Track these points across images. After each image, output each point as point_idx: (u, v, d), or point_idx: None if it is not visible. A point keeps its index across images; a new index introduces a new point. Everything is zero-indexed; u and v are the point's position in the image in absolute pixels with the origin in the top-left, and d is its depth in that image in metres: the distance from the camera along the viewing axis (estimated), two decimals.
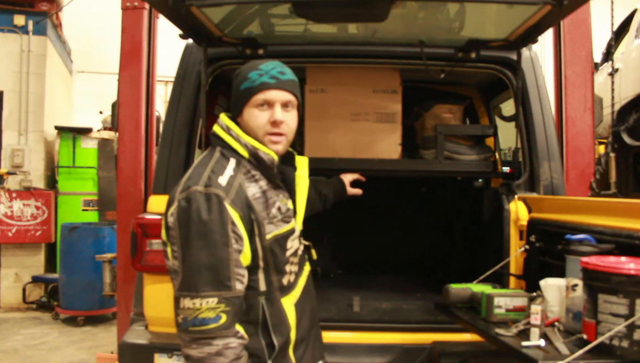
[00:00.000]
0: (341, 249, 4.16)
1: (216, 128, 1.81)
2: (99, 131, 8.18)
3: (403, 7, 2.55)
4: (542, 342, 1.77)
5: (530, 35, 2.76)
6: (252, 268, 1.69)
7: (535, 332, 1.80)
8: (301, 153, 3.19)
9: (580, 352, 1.62)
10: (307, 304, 1.87)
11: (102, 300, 6.20)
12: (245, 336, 1.66)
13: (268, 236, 1.70)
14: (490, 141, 3.45)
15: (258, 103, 1.74)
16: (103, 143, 7.99)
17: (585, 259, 1.75)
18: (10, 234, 7.27)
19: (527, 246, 2.58)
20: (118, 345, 2.70)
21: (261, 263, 1.70)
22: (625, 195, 5.12)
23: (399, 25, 2.79)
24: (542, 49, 5.36)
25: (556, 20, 2.93)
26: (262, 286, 1.72)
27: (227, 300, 1.58)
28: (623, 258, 1.76)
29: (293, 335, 1.76)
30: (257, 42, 2.94)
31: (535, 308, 1.82)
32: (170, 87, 3.46)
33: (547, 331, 1.84)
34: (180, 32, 2.82)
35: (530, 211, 2.72)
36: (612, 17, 5.42)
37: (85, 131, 7.97)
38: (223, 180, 1.65)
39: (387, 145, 3.14)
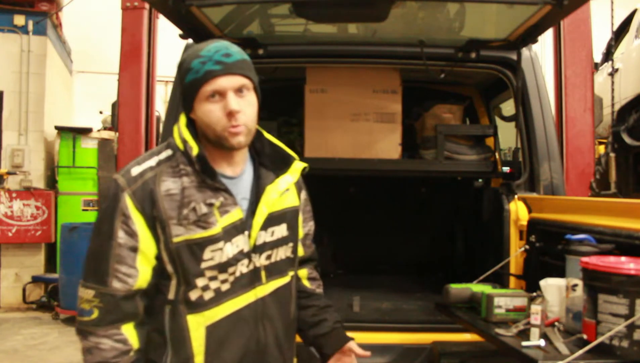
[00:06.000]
0: (341, 249, 4.16)
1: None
2: (99, 131, 8.17)
3: (403, 7, 2.55)
4: (542, 342, 1.76)
5: (530, 35, 2.76)
6: (162, 271, 1.53)
7: (535, 332, 1.80)
8: (301, 153, 3.20)
9: (580, 352, 1.62)
10: (238, 336, 1.54)
11: None
12: (133, 344, 1.49)
13: (175, 239, 1.48)
14: (490, 141, 3.45)
15: (207, 95, 1.50)
16: (103, 143, 7.99)
17: (585, 259, 1.75)
18: (10, 234, 7.27)
19: (527, 246, 2.58)
20: None
21: (169, 268, 1.52)
22: (625, 195, 5.12)
23: (399, 25, 2.79)
24: (542, 49, 5.36)
25: (556, 20, 2.93)
26: (171, 294, 1.53)
27: (101, 295, 1.47)
28: (623, 258, 1.76)
29: (199, 361, 1.51)
30: (257, 42, 2.94)
31: (535, 308, 1.82)
32: (170, 87, 3.46)
33: (547, 331, 1.84)
34: (180, 32, 2.82)
35: (530, 211, 2.71)
36: (612, 17, 5.42)
37: (85, 131, 7.97)
38: (137, 170, 1.52)
39: (387, 145, 3.14)
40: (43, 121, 7.65)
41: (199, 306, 1.51)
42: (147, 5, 3.62)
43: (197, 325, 1.51)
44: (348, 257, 4.18)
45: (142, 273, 1.50)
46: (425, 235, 4.22)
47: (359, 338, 2.77)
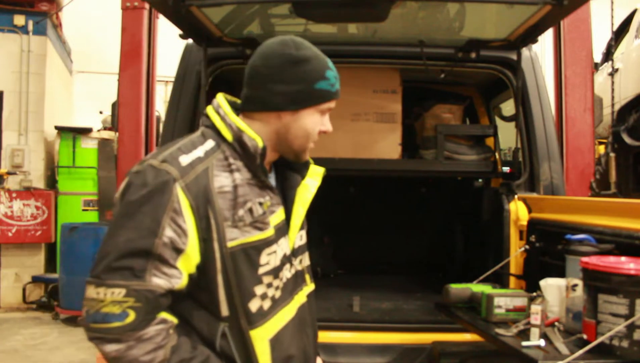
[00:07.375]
0: (341, 249, 4.16)
1: (208, 108, 1.48)
2: (99, 131, 8.18)
3: (403, 7, 2.55)
4: (542, 342, 1.77)
5: (530, 35, 2.76)
6: (208, 284, 1.33)
7: (535, 332, 1.80)
8: None
9: (580, 352, 1.62)
10: (293, 342, 1.44)
11: None
12: (172, 320, 1.30)
13: (230, 244, 1.31)
14: (490, 141, 3.45)
15: (323, 110, 1.49)
16: (103, 143, 7.99)
17: (585, 259, 1.75)
18: (10, 234, 7.27)
19: (527, 246, 2.58)
20: None
21: (220, 278, 1.32)
22: (625, 195, 5.12)
23: (399, 25, 2.79)
24: (542, 49, 5.36)
25: (556, 20, 2.93)
26: (225, 310, 1.33)
27: (137, 293, 1.23)
28: (623, 258, 1.76)
29: None
30: (257, 42, 2.93)
31: (535, 308, 1.82)
32: (170, 87, 3.46)
33: (547, 331, 1.85)
34: (180, 32, 2.82)
35: (530, 211, 2.72)
36: (612, 17, 5.41)
37: (85, 131, 7.97)
38: (185, 159, 1.32)
39: (387, 145, 3.14)
40: (43, 121, 7.65)
41: (260, 317, 1.36)
42: (147, 5, 3.62)
43: (261, 340, 1.35)
44: (348, 257, 4.18)
45: (184, 277, 1.29)
46: (425, 235, 4.23)
47: (359, 338, 2.79)
